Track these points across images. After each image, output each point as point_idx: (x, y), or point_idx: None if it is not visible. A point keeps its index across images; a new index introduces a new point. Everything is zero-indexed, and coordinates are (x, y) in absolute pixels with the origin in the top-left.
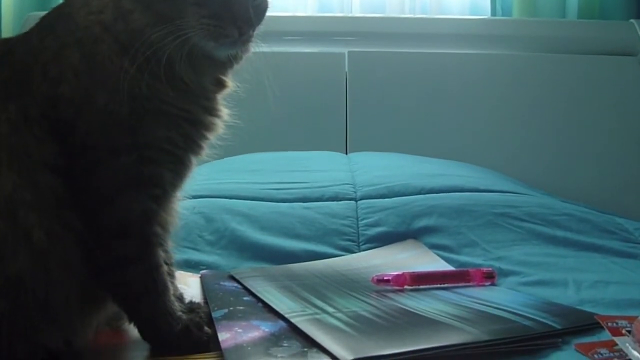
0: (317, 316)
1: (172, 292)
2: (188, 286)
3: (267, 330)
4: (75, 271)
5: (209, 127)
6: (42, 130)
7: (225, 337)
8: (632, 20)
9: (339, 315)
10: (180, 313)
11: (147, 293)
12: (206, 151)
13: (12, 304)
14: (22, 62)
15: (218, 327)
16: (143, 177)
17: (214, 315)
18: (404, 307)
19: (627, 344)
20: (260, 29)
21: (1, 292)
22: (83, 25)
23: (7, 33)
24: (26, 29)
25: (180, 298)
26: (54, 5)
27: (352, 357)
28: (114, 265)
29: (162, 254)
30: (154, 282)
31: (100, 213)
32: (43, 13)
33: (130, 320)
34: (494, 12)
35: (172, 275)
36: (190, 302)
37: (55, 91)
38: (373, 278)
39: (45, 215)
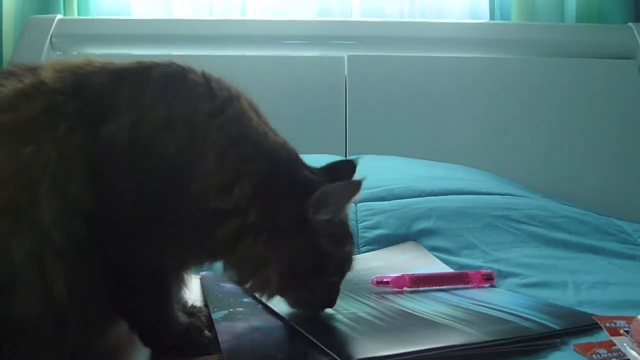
0: (317, 317)
1: (175, 298)
2: (188, 288)
3: (267, 331)
4: (89, 319)
5: None
6: (88, 171)
7: (225, 338)
8: (630, 24)
9: (338, 316)
10: (181, 318)
11: (152, 307)
12: None
13: (16, 344)
14: (108, 102)
15: (218, 328)
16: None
17: (214, 316)
18: (404, 308)
19: (625, 344)
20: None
21: (6, 332)
22: (202, 133)
23: (8, 36)
24: (27, 32)
25: (181, 302)
26: (55, 9)
27: (351, 359)
28: (125, 294)
29: None
30: (160, 298)
31: (121, 256)
32: (44, 16)
33: (131, 329)
34: (492, 16)
35: (180, 280)
36: (192, 306)
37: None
38: (372, 280)
39: (70, 267)
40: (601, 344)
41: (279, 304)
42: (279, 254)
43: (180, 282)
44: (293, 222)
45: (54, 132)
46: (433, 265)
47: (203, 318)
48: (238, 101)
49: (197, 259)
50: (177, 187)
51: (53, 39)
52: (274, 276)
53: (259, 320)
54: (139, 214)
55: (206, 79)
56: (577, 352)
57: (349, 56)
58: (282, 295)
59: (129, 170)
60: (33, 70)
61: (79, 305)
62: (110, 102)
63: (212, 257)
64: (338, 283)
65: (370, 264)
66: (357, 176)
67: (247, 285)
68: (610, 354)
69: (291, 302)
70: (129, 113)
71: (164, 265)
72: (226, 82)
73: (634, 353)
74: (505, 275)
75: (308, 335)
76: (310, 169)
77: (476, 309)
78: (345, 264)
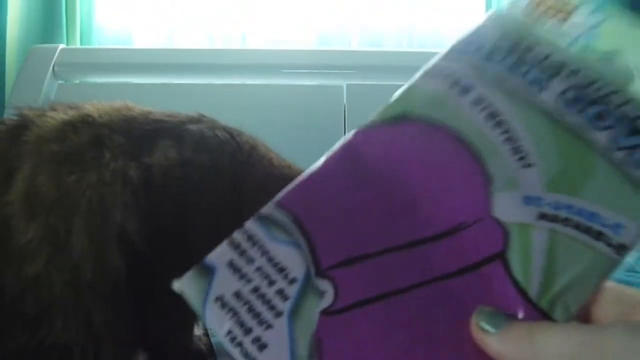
0: None
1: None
2: None
3: None
4: (121, 350)
5: None
6: (131, 199)
7: None
8: None
9: None
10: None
11: (180, 333)
12: None
13: None
14: (156, 132)
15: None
16: None
17: (213, 341)
18: None
19: None
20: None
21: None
22: (241, 180)
23: (11, 65)
24: (30, 61)
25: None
26: (58, 38)
27: None
28: (157, 321)
29: None
30: (187, 326)
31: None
32: (47, 46)
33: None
34: None
35: None
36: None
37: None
38: None
39: (104, 299)
40: None
41: None
42: None
43: None
44: None
45: (98, 161)
46: None
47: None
48: (254, 149)
49: None
50: (222, 227)
51: (55, 68)
52: None
53: None
54: (184, 247)
55: (230, 132)
56: None
57: (347, 85)
58: None
59: (181, 204)
60: (74, 107)
61: (113, 336)
62: (154, 144)
63: None
64: None
65: None
66: None
67: None
68: None
69: None
70: (175, 153)
71: None
72: (244, 132)
73: None
74: None
75: None
76: None
77: None
78: None
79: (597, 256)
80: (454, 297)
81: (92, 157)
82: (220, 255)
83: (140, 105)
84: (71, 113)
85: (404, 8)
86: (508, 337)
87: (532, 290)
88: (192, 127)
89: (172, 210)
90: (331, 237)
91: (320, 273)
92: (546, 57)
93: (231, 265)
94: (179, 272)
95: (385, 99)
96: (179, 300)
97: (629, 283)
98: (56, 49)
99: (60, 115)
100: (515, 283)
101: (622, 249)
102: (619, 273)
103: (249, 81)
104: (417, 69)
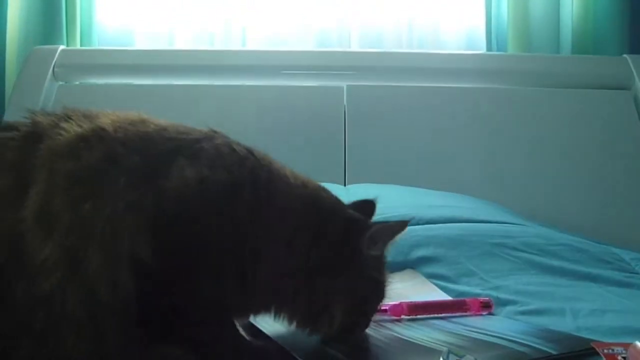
0: (316, 347)
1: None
2: None
3: None
4: None
5: None
6: (145, 224)
7: None
8: (625, 55)
9: (335, 345)
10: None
11: (222, 334)
12: None
13: None
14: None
15: None
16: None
17: None
18: (401, 336)
19: None
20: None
21: None
22: (262, 195)
23: (11, 66)
24: (30, 62)
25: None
26: (58, 39)
27: None
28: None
29: None
30: (226, 324)
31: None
32: (47, 47)
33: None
34: (489, 47)
35: None
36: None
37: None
38: None
39: (118, 319)
40: None
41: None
42: (341, 293)
43: None
44: (349, 260)
45: (113, 189)
46: (431, 293)
47: None
48: (271, 165)
49: (253, 311)
50: (244, 244)
51: (56, 69)
52: (338, 314)
53: None
54: (199, 265)
55: (246, 148)
56: None
57: (347, 86)
58: (340, 328)
59: (197, 225)
60: (88, 116)
61: (124, 355)
62: (170, 164)
63: (268, 309)
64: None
65: None
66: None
67: (307, 330)
68: None
69: (334, 332)
70: (191, 172)
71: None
72: (256, 149)
73: None
74: (504, 302)
75: None
76: (347, 206)
77: (473, 336)
78: (385, 288)
79: None
80: None
81: (107, 180)
82: None
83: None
84: (85, 125)
85: (402, 4)
86: None
87: None
88: (207, 144)
89: (187, 231)
90: None
91: None
92: None
93: None
94: (194, 292)
95: (385, 100)
96: (191, 321)
97: (628, 284)
98: (56, 50)
99: (74, 128)
100: None
101: None
102: (618, 275)
103: (249, 82)
104: (416, 69)
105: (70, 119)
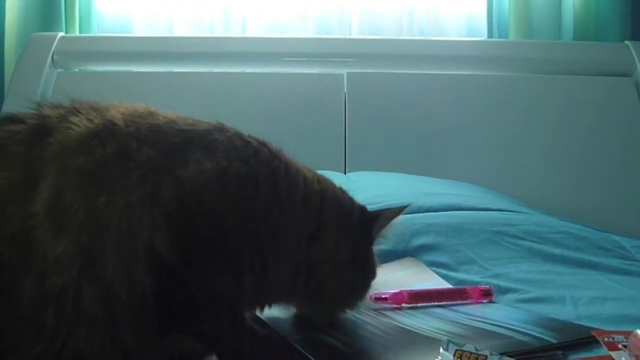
0: (314, 334)
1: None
2: None
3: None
4: None
5: None
6: (164, 215)
7: None
8: (626, 42)
9: (335, 333)
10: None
11: (231, 327)
12: None
13: None
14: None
15: None
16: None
17: None
18: (402, 325)
19: (623, 358)
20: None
21: None
22: (282, 188)
23: (10, 53)
24: (29, 49)
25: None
26: (57, 26)
27: None
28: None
29: None
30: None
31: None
32: (46, 34)
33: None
34: (490, 34)
35: None
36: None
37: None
38: (371, 296)
39: (135, 316)
40: (600, 359)
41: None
42: (360, 281)
43: None
44: (366, 247)
45: (126, 182)
46: (431, 281)
47: None
48: (285, 157)
49: (268, 303)
50: (264, 235)
51: (55, 56)
52: (353, 302)
53: None
54: (219, 256)
55: (258, 140)
56: None
57: (348, 73)
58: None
59: (216, 216)
60: (97, 109)
61: (144, 352)
62: (184, 156)
63: (284, 301)
64: None
65: None
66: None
67: (320, 317)
68: None
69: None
70: (209, 163)
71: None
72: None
73: None
74: (504, 290)
75: (305, 353)
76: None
77: (473, 325)
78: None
79: None
80: None
81: (121, 175)
82: None
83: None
84: (96, 120)
85: None
86: None
87: None
88: (219, 136)
89: (207, 222)
90: None
91: None
92: None
93: None
94: (212, 284)
95: (385, 87)
96: (206, 313)
97: (628, 272)
98: (55, 37)
99: (84, 123)
100: None
101: None
102: (618, 262)
103: (249, 69)
104: (416, 56)
105: (79, 112)
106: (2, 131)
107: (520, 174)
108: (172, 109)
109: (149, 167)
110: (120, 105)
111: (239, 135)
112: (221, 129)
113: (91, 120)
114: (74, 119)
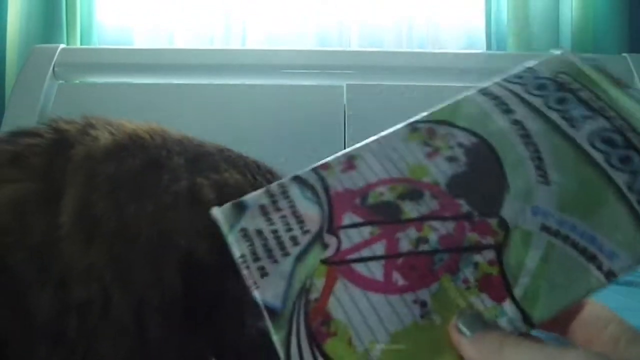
0: None
1: None
2: None
3: None
4: None
5: None
6: (202, 218)
7: None
8: (624, 54)
9: None
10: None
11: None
12: None
13: None
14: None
15: None
16: None
17: None
18: None
19: None
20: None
21: None
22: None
23: (11, 65)
24: (31, 61)
25: None
26: (59, 38)
27: None
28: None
29: None
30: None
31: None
32: (48, 46)
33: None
34: (489, 46)
35: None
36: None
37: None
38: None
39: (167, 322)
40: None
41: None
42: None
43: None
44: None
45: (157, 187)
46: None
47: None
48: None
49: None
50: None
51: (56, 68)
52: None
53: None
54: None
55: (256, 160)
56: None
57: (347, 85)
58: None
59: None
60: (111, 124)
61: (171, 356)
62: (213, 165)
63: None
64: None
65: None
66: None
67: None
68: None
69: None
70: (238, 174)
71: None
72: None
73: None
74: None
75: None
76: None
77: None
78: None
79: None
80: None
81: (151, 182)
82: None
83: (142, 106)
84: (118, 133)
85: (402, 3)
86: (480, 344)
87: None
88: (231, 153)
89: None
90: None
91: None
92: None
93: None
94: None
95: (385, 99)
96: (230, 317)
97: (627, 282)
98: (56, 49)
99: (106, 135)
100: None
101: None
102: None
103: (249, 81)
104: (415, 69)
105: (95, 126)
106: (18, 144)
107: None
108: (172, 120)
109: (179, 171)
110: (133, 122)
111: (241, 156)
112: (224, 148)
113: (113, 134)
114: (94, 132)
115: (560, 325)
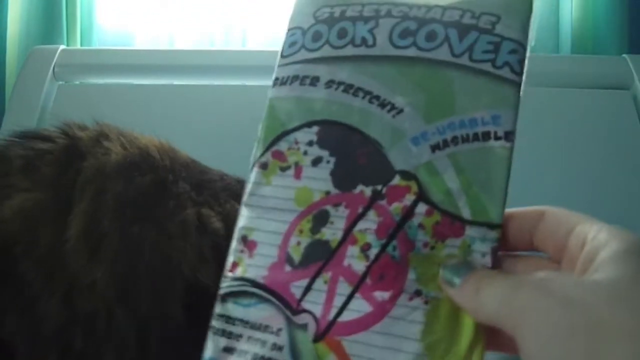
0: None
1: None
2: None
3: None
4: None
5: None
6: (211, 247)
7: None
8: (624, 55)
9: None
10: None
11: None
12: None
13: None
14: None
15: None
16: None
17: None
18: None
19: None
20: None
21: None
22: None
23: (11, 66)
24: (30, 62)
25: None
26: (59, 39)
27: None
28: None
29: None
30: None
31: None
32: (48, 47)
33: None
34: None
35: None
36: None
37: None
38: None
39: (169, 351)
40: None
41: None
42: None
43: None
44: None
45: (162, 211)
46: None
47: None
48: None
49: None
50: None
51: (56, 69)
52: None
53: None
54: None
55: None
56: None
57: None
58: None
59: None
60: (124, 135)
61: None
62: (215, 195)
63: None
64: None
65: None
66: None
67: None
68: None
69: None
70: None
71: None
72: None
73: None
74: None
75: None
76: None
77: None
78: None
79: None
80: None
81: (156, 205)
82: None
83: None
84: (130, 147)
85: None
86: (462, 291)
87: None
88: (230, 180)
89: None
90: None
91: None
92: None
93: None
94: None
95: None
96: None
97: None
98: (56, 50)
99: (119, 149)
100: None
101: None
102: None
103: (249, 82)
104: None
105: (109, 136)
106: (30, 149)
107: (518, 186)
108: (173, 120)
109: (183, 198)
110: (144, 136)
111: (235, 178)
112: (226, 175)
113: (125, 148)
114: (107, 144)
115: (523, 244)
